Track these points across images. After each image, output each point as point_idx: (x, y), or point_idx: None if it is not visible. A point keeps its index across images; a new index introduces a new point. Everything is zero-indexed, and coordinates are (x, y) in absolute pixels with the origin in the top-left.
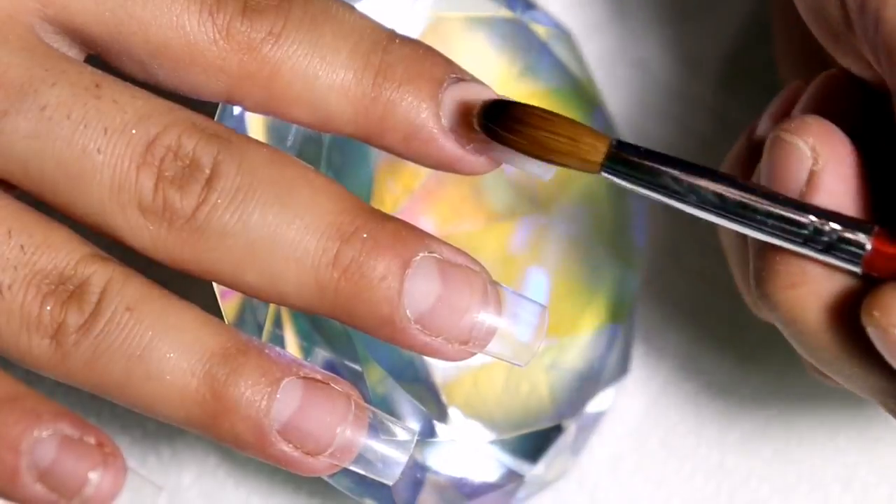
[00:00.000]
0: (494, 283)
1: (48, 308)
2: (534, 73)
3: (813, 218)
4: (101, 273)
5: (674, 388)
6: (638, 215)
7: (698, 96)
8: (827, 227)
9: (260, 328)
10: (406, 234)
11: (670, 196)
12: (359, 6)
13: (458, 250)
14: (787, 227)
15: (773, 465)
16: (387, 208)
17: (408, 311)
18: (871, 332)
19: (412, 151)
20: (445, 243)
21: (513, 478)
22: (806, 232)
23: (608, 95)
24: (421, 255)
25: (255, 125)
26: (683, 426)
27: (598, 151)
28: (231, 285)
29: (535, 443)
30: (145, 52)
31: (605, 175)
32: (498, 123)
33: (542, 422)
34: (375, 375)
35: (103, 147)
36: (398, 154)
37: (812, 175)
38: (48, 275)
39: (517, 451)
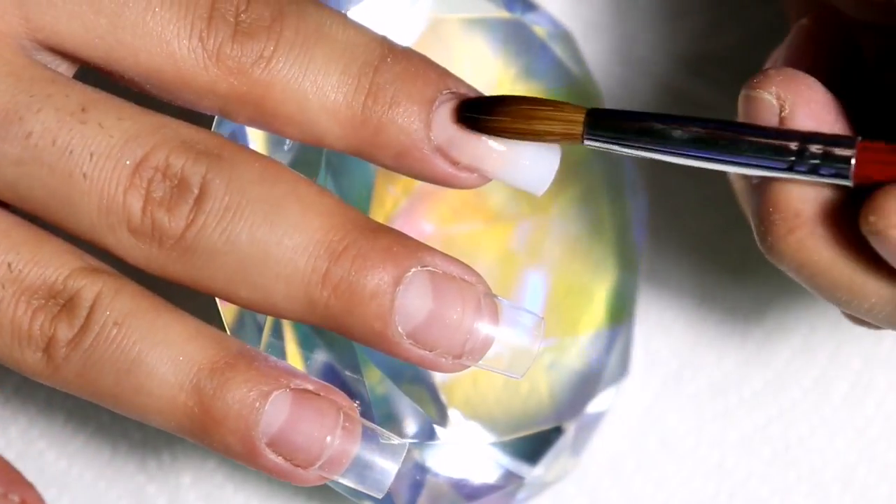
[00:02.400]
0: (490, 295)
1: (38, 323)
2: (533, 74)
3: (796, 141)
4: (90, 287)
5: (673, 389)
6: (638, 215)
7: (698, 96)
8: (811, 147)
9: (260, 330)
10: (398, 250)
11: (656, 148)
12: (357, 8)
13: (454, 260)
14: (772, 155)
15: (773, 466)
16: (386, 209)
17: (399, 328)
18: (873, 241)
19: (404, 169)
20: (441, 253)
21: (513, 479)
22: (791, 157)
23: (608, 95)
24: (413, 270)
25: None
26: (683, 427)
27: (577, 121)
28: (226, 299)
29: (534, 444)
30: (136, 76)
31: (589, 143)
32: (480, 113)
33: (542, 422)
34: (375, 376)
35: (89, 172)
36: (391, 170)
37: (782, 121)
38: (37, 290)
39: (517, 453)
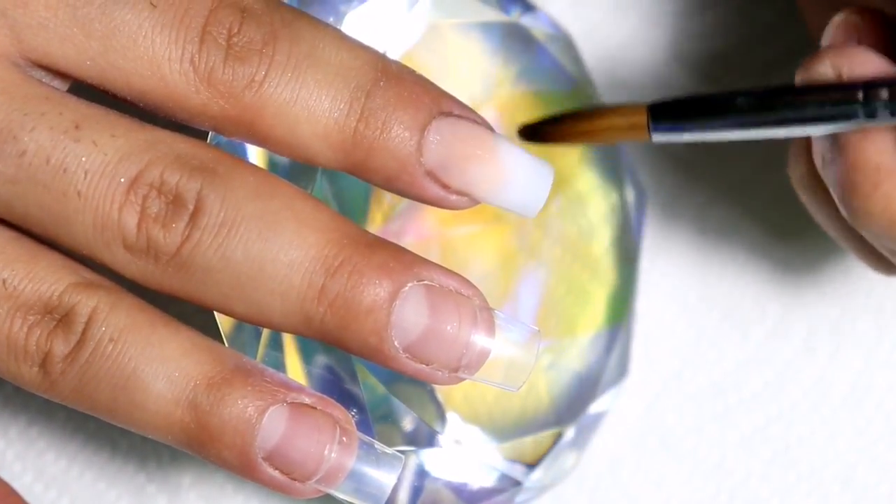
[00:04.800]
0: (486, 308)
1: (34, 338)
2: (531, 76)
3: (860, 89)
4: (85, 302)
5: (673, 389)
6: (638, 216)
7: None
8: (877, 92)
9: (258, 335)
10: (394, 265)
11: (725, 124)
12: (356, 12)
13: (451, 273)
14: (843, 108)
15: (773, 466)
16: (385, 210)
17: (396, 342)
18: None
19: (395, 191)
20: (437, 267)
21: (512, 483)
22: (863, 106)
23: (608, 96)
24: (409, 285)
25: None
26: (683, 427)
27: (640, 112)
28: (222, 313)
29: (534, 447)
30: (129, 96)
31: (657, 137)
32: (543, 125)
33: (542, 425)
34: (373, 378)
35: (84, 190)
36: (383, 189)
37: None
38: (33, 306)
39: (516, 456)
